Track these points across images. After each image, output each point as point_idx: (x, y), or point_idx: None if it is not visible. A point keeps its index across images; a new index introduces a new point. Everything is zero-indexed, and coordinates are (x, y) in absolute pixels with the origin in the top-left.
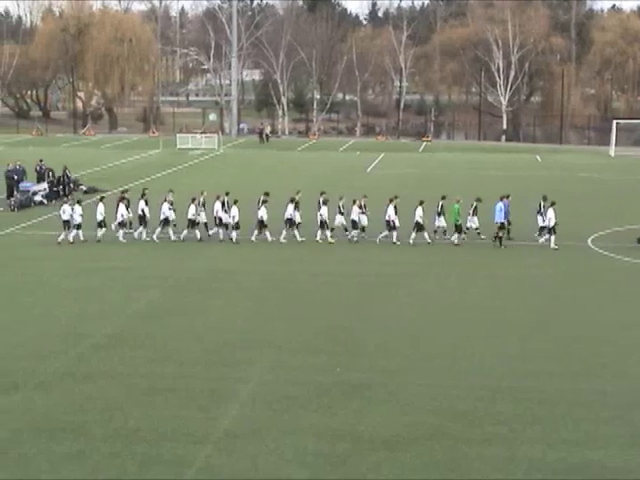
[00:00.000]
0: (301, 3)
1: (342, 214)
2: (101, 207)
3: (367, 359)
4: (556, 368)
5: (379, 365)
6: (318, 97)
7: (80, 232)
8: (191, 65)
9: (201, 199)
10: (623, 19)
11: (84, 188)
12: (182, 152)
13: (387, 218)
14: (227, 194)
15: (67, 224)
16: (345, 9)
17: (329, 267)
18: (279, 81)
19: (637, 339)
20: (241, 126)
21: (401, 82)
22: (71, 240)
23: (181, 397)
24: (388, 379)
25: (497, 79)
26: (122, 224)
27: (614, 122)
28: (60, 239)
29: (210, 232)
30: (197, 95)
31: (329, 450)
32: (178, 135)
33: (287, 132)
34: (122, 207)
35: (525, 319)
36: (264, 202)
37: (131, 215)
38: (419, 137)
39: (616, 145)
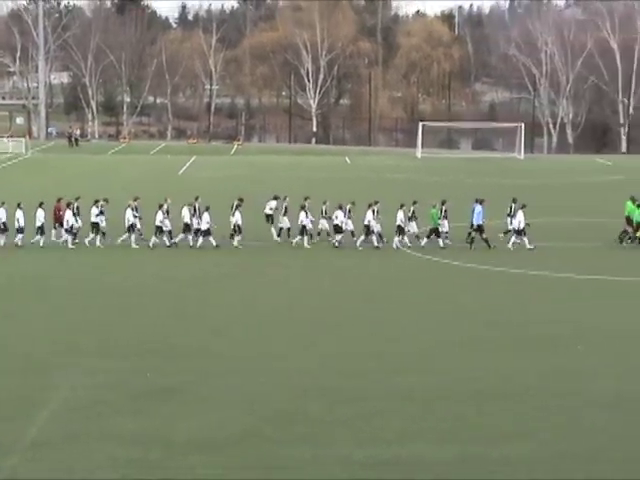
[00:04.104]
0: (109, 5)
1: (327, 218)
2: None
3: (182, 362)
4: (367, 366)
5: (194, 368)
6: (128, 100)
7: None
8: None
9: (165, 206)
10: (427, 24)
11: None
12: None
13: (365, 222)
14: (196, 199)
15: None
16: (155, 12)
17: (147, 270)
18: (88, 84)
19: (443, 335)
20: (50, 130)
21: (212, 85)
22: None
23: None
24: (202, 381)
25: (307, 82)
26: (69, 229)
27: (420, 124)
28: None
29: (176, 239)
30: (3, 98)
31: (142, 455)
32: None
33: (97, 135)
34: (69, 213)
35: (341, 319)
36: (237, 207)
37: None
38: (230, 140)
39: (422, 147)
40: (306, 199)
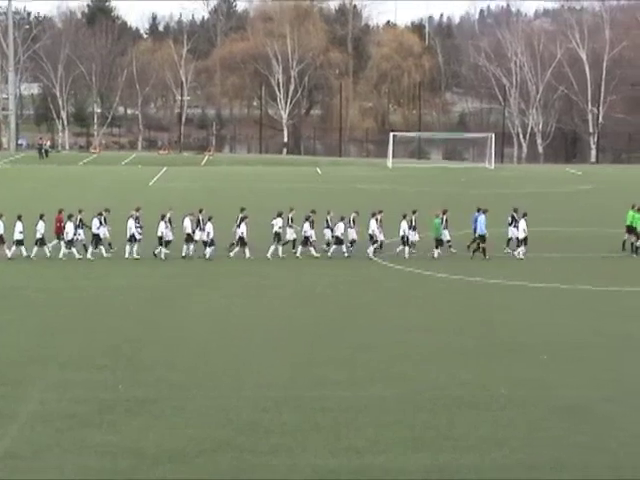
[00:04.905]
0: (80, 16)
1: (331, 229)
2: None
3: (153, 374)
4: (341, 375)
5: (165, 379)
6: (99, 111)
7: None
8: None
9: (168, 216)
10: (398, 34)
11: None
12: None
13: (370, 232)
14: (200, 211)
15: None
16: (125, 22)
17: (119, 281)
18: (58, 95)
19: (417, 342)
20: (20, 141)
21: (182, 96)
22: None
23: None
24: (174, 393)
25: (277, 93)
26: (70, 242)
27: (391, 135)
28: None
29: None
30: None
31: (112, 466)
32: None
33: (67, 146)
34: (70, 225)
35: (313, 328)
36: (243, 219)
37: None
38: (201, 151)
39: (393, 157)
40: (313, 212)
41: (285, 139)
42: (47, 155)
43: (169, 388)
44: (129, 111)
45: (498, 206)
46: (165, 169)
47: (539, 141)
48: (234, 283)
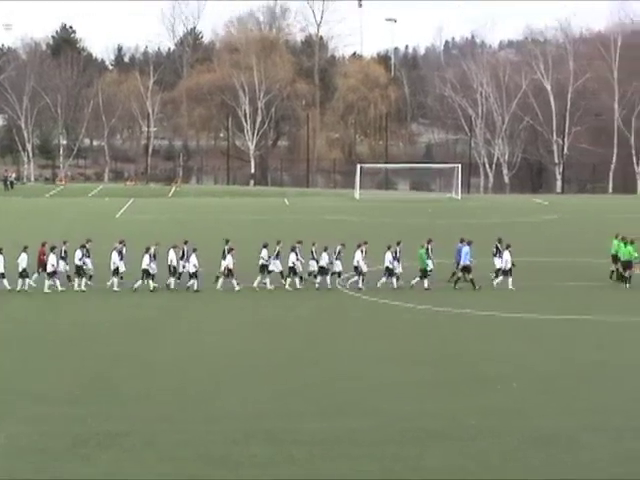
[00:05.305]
0: (45, 47)
1: (316, 260)
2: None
3: (126, 407)
4: (310, 407)
5: (137, 413)
6: (65, 143)
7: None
8: None
9: (152, 250)
10: (364, 65)
11: None
12: None
13: (355, 264)
14: (185, 243)
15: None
16: (90, 54)
17: (98, 313)
18: (23, 127)
19: (386, 373)
20: None
21: (149, 127)
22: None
23: None
24: (146, 427)
25: (244, 124)
26: (53, 274)
27: (358, 166)
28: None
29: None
30: None
31: None
32: None
33: (33, 178)
34: (52, 257)
35: (281, 360)
36: (230, 250)
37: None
38: (168, 182)
39: (360, 188)
40: (299, 242)
41: (252, 170)
42: (12, 187)
43: (141, 422)
44: (95, 142)
45: (466, 236)
46: (132, 200)
47: (505, 171)
48: (212, 315)
